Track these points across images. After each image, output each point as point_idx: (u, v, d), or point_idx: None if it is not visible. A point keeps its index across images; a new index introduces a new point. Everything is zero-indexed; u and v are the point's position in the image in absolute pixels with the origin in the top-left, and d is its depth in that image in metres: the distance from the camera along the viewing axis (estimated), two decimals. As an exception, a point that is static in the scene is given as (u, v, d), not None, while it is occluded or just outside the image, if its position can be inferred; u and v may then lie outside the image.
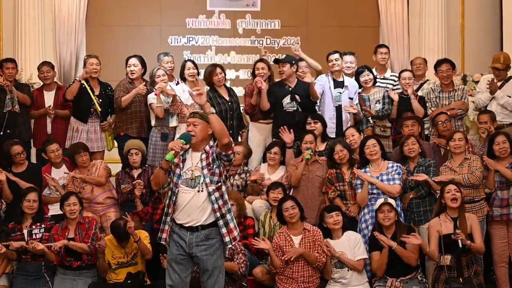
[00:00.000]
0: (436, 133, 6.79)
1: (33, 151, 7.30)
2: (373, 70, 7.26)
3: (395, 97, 6.84)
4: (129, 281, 5.61)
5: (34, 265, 5.73)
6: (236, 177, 6.45)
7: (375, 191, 5.86)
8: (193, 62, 7.04)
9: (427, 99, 7.09)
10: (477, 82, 7.89)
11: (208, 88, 6.88)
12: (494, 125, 6.46)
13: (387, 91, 7.04)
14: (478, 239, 5.44)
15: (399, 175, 5.88)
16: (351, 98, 6.97)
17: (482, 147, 6.34)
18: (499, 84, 6.95)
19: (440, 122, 6.56)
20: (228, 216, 4.59)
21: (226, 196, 4.62)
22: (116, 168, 6.81)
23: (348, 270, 5.55)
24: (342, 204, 6.01)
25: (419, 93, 7.25)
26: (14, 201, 6.17)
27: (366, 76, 7.03)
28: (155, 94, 6.62)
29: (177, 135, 6.42)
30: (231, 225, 4.60)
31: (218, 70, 6.86)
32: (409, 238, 5.34)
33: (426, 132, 7.00)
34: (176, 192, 4.60)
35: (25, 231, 5.82)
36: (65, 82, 8.48)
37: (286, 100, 6.69)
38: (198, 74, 7.05)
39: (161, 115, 6.65)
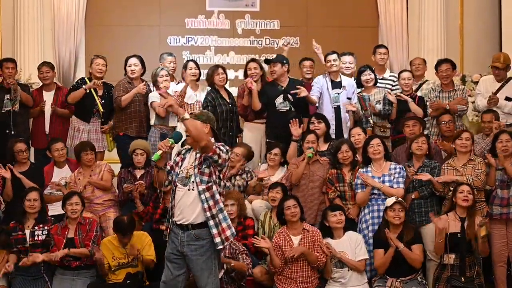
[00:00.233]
0: (436, 133, 6.80)
1: (31, 151, 7.27)
2: (373, 70, 7.28)
3: (393, 99, 6.84)
4: (128, 281, 5.60)
5: (33, 266, 5.69)
6: (237, 177, 6.44)
7: (375, 191, 5.86)
8: (195, 62, 7.04)
9: (427, 98, 7.09)
10: (476, 83, 7.90)
11: (209, 88, 6.88)
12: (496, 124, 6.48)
13: (386, 94, 7.03)
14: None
15: (402, 178, 5.89)
16: (349, 98, 6.97)
17: (486, 146, 6.33)
18: (498, 84, 6.97)
19: (443, 122, 6.56)
20: (220, 216, 4.61)
21: (217, 196, 4.63)
22: (115, 168, 6.79)
23: (348, 270, 5.56)
24: (341, 205, 6.00)
25: (418, 93, 7.24)
26: (13, 201, 6.16)
27: (367, 76, 7.03)
28: (160, 93, 6.62)
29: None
30: (224, 224, 4.62)
31: (220, 70, 6.87)
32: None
33: (426, 132, 6.99)
34: (174, 189, 4.72)
35: (27, 232, 5.80)
36: (64, 82, 8.48)
37: (279, 100, 6.71)
38: (200, 74, 7.06)
39: (163, 114, 6.66)
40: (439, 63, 7.16)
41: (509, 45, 8.17)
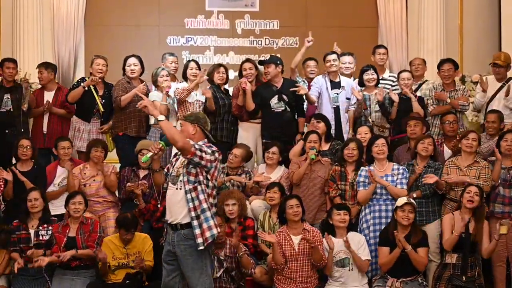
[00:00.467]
0: (437, 133, 6.80)
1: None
2: (372, 70, 7.27)
3: (395, 98, 6.84)
4: (127, 282, 5.60)
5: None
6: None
7: (378, 190, 5.87)
8: (196, 62, 7.04)
9: (429, 96, 7.09)
10: (475, 83, 7.90)
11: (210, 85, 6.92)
12: (501, 125, 6.49)
13: (388, 93, 7.04)
14: (486, 244, 5.57)
15: (406, 180, 5.90)
16: (348, 99, 6.98)
17: (490, 147, 6.33)
18: (499, 84, 6.97)
19: (447, 122, 6.56)
20: (202, 217, 4.61)
21: (202, 197, 4.63)
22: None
23: (349, 270, 5.55)
24: (347, 205, 5.99)
25: (418, 93, 7.24)
26: (13, 201, 6.16)
27: (370, 75, 7.02)
28: (165, 92, 6.64)
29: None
30: (205, 225, 4.62)
31: (222, 69, 6.92)
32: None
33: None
34: (166, 188, 4.80)
35: (31, 231, 5.79)
36: (63, 81, 8.48)
37: (274, 100, 6.72)
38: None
39: (164, 114, 6.66)
40: (442, 62, 7.17)
41: (509, 44, 8.18)
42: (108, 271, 5.66)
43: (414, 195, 5.88)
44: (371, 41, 8.92)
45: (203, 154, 4.57)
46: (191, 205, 4.59)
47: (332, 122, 6.80)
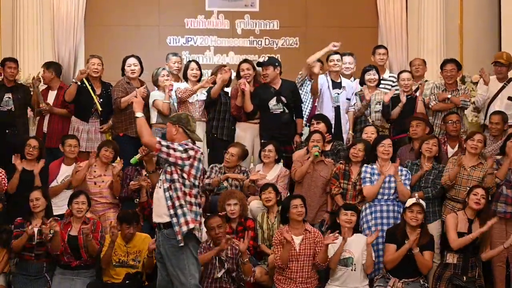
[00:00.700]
0: (438, 133, 6.80)
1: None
2: (372, 71, 7.27)
3: (403, 99, 6.83)
4: (127, 282, 5.60)
5: (36, 265, 5.71)
6: (234, 177, 6.46)
7: (380, 190, 5.89)
8: (197, 63, 7.06)
9: (431, 94, 7.09)
10: (475, 83, 7.90)
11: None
12: (505, 126, 6.51)
13: (396, 95, 7.03)
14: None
15: (409, 181, 5.92)
16: (348, 99, 6.99)
17: (494, 150, 6.34)
18: (500, 84, 6.98)
19: (450, 121, 6.56)
20: (179, 212, 4.65)
21: (175, 195, 4.65)
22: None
23: (351, 270, 5.54)
24: (342, 202, 6.00)
25: (417, 93, 7.24)
26: (14, 201, 6.16)
27: (372, 75, 7.04)
28: (168, 90, 6.65)
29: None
30: (182, 220, 4.63)
31: (226, 68, 6.95)
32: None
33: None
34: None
35: (35, 229, 5.74)
36: (63, 81, 8.45)
37: (272, 102, 6.73)
38: (201, 75, 7.07)
39: (167, 112, 6.66)
40: (445, 62, 7.19)
41: (509, 44, 8.17)
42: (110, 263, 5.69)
43: (416, 195, 5.88)
44: (371, 41, 8.91)
45: (171, 151, 4.62)
46: (169, 203, 4.66)
47: (333, 122, 6.81)
